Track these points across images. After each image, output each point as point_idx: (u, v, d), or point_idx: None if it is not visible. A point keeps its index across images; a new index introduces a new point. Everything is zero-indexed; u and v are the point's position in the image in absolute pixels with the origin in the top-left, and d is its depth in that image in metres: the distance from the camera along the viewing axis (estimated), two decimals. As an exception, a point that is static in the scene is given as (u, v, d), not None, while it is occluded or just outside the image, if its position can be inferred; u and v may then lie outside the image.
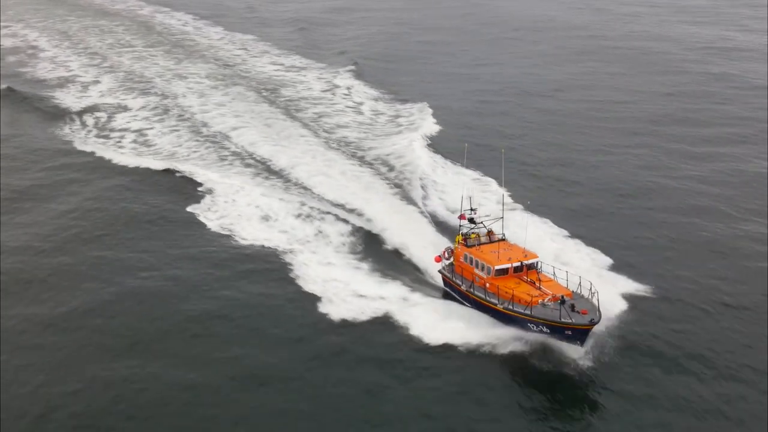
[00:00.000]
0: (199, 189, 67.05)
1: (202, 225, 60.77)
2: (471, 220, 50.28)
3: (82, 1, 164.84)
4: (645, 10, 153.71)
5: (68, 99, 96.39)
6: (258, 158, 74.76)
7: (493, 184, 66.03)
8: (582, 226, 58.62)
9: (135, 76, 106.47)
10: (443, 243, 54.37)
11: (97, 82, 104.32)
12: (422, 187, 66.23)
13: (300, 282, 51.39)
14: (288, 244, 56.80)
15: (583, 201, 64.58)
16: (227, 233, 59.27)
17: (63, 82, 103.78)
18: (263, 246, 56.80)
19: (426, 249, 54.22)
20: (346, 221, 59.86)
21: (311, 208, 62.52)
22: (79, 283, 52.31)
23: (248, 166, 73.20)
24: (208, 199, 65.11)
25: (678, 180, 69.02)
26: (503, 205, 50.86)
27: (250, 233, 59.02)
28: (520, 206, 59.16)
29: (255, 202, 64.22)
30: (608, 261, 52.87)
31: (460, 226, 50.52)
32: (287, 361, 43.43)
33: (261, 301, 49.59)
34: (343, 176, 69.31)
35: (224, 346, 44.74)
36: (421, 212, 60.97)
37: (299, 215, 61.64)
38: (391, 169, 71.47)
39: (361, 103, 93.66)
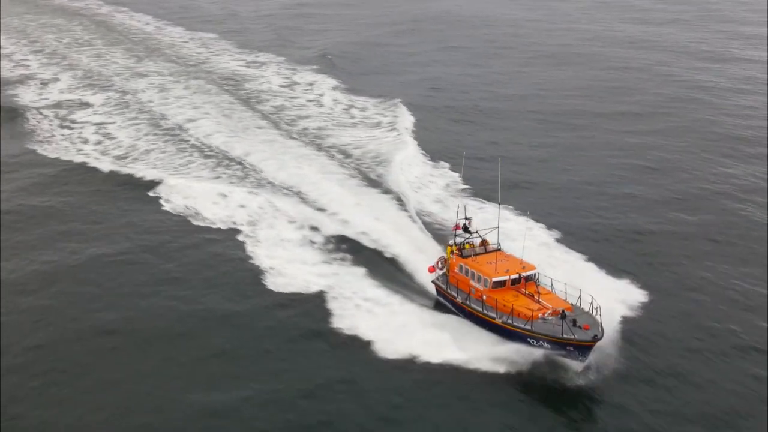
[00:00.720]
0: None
1: (164, 205, 61.62)
2: (465, 229, 47.36)
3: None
4: (593, 5, 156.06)
5: (28, 96, 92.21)
6: (225, 152, 72.88)
7: (446, 168, 68.31)
8: (525, 203, 58.76)
9: (95, 74, 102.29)
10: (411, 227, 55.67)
11: (57, 79, 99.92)
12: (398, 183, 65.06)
13: (253, 258, 52.61)
14: (244, 222, 57.83)
15: (528, 187, 65.79)
16: (187, 212, 60.22)
17: (23, 79, 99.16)
18: (220, 225, 57.92)
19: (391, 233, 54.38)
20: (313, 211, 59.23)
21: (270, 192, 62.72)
22: (51, 250, 54.51)
23: (208, 156, 72.39)
24: (170, 184, 65.02)
25: (609, 165, 71.23)
26: (498, 214, 48.50)
27: (211, 212, 59.93)
28: (470, 188, 63.04)
29: (215, 188, 64.11)
30: (557, 234, 54.87)
31: (455, 235, 47.60)
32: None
33: (213, 275, 51.18)
34: (302, 161, 69.81)
35: (174, 304, 47.59)
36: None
37: (251, 193, 62.59)
38: (357, 158, 71.47)
39: (346, 105, 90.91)
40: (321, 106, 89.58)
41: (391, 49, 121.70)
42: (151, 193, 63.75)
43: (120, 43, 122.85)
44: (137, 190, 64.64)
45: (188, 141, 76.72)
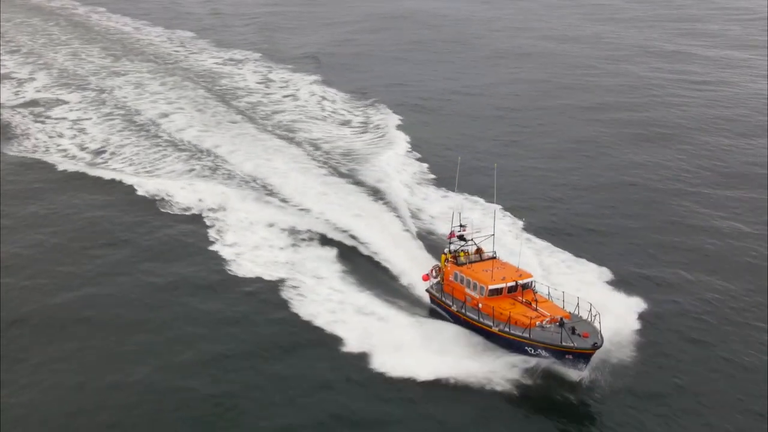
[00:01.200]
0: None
1: (135, 192, 62.93)
2: (461, 238, 46.10)
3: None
4: (559, 3, 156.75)
5: (4, 94, 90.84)
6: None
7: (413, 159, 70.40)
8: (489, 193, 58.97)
9: (71, 73, 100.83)
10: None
11: (33, 78, 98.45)
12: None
13: (220, 243, 54.19)
14: (212, 210, 58.90)
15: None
16: (157, 200, 61.33)
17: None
18: (188, 212, 59.22)
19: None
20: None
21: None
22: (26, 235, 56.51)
23: (182, 149, 72.97)
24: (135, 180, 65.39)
25: (570, 155, 73.40)
26: (494, 221, 47.38)
27: (181, 198, 61.10)
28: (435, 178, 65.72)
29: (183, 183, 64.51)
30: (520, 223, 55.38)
31: (450, 243, 46.50)
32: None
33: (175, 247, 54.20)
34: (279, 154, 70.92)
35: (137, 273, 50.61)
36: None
37: (220, 183, 63.88)
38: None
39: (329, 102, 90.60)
40: (297, 99, 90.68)
41: (367, 47, 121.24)
42: (124, 182, 64.62)
43: (97, 42, 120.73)
44: (109, 182, 65.30)
45: (161, 136, 76.98)
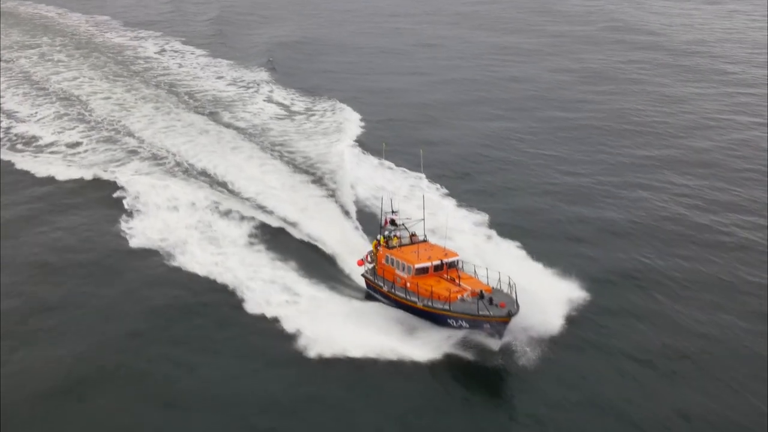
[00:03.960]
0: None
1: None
2: (392, 222, 49.53)
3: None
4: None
5: None
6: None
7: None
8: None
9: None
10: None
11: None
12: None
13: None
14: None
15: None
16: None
17: None
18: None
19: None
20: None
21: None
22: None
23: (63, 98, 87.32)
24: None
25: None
26: (424, 207, 50.60)
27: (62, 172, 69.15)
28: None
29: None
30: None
31: (381, 227, 49.77)
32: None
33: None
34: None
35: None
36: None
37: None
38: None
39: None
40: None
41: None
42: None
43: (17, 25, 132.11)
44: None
45: (48, 89, 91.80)
